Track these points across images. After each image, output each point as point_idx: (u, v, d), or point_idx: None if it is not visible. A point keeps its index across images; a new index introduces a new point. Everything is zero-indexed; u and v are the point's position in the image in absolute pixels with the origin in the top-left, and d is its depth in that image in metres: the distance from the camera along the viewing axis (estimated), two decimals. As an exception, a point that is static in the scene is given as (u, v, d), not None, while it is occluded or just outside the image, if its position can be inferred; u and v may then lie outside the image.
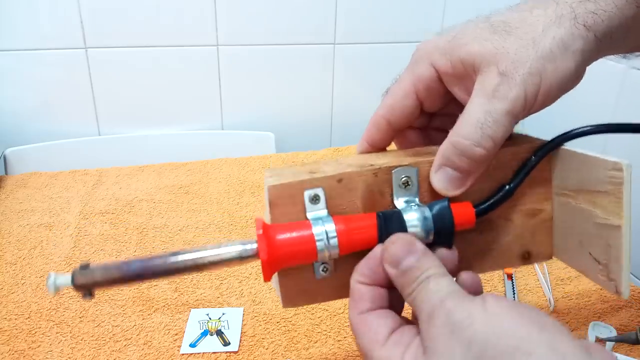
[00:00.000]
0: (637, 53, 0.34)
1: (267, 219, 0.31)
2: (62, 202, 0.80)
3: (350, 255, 0.30)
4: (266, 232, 0.28)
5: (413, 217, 0.29)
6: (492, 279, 0.64)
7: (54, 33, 0.90)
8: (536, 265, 0.66)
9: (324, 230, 0.28)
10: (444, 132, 0.36)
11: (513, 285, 0.62)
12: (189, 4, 0.93)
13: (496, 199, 0.32)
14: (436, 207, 0.30)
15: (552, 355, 0.22)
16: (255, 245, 0.28)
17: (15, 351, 0.51)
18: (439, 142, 0.35)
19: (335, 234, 0.28)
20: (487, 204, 0.32)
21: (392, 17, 1.02)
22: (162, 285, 0.62)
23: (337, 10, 0.99)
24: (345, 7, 0.99)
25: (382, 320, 0.28)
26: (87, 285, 0.27)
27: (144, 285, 0.61)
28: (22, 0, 0.87)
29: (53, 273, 0.27)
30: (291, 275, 0.31)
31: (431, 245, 0.30)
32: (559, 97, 0.30)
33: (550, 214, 0.34)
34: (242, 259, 0.28)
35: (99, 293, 0.60)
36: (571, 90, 0.32)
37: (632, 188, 0.28)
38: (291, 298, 0.32)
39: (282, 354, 0.52)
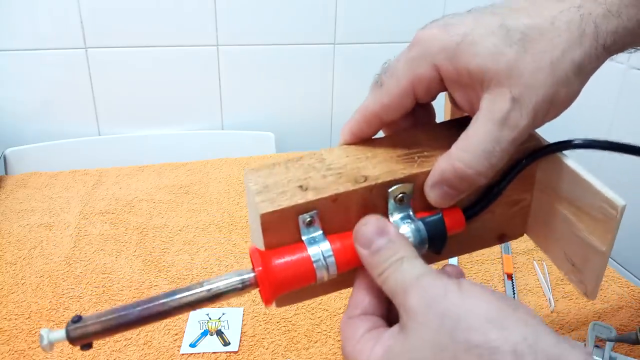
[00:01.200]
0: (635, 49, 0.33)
1: (256, 235, 0.30)
2: (62, 202, 0.80)
3: None
4: (264, 264, 0.27)
5: (407, 231, 0.30)
6: (492, 279, 0.64)
7: (54, 33, 0.90)
8: (536, 265, 0.66)
9: (319, 251, 0.28)
10: (426, 105, 0.35)
11: (513, 285, 0.62)
12: (189, 4, 0.93)
13: (485, 203, 0.32)
14: (430, 221, 0.30)
15: (525, 329, 0.22)
16: (252, 276, 0.28)
17: (15, 351, 0.51)
18: (424, 120, 0.35)
19: (332, 254, 0.28)
20: (476, 208, 0.32)
21: (392, 17, 1.02)
22: (162, 286, 0.62)
23: (337, 10, 0.99)
24: (345, 7, 0.99)
25: (363, 322, 0.28)
26: (82, 338, 0.26)
27: (144, 285, 0.61)
28: (22, 0, 0.87)
29: (45, 330, 0.26)
30: None
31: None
32: None
33: (529, 201, 0.34)
34: (240, 291, 0.28)
35: (98, 293, 0.60)
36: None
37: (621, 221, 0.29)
38: (282, 300, 0.32)
39: (282, 354, 0.52)
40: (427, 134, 0.33)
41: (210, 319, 0.56)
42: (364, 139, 0.33)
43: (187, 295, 0.27)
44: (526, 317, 0.23)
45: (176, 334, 0.54)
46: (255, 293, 0.60)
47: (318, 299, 0.59)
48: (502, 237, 0.36)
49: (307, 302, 0.59)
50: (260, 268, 0.27)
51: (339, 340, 0.54)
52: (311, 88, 1.05)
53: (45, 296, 0.59)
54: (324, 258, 0.28)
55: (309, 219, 0.29)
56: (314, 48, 1.02)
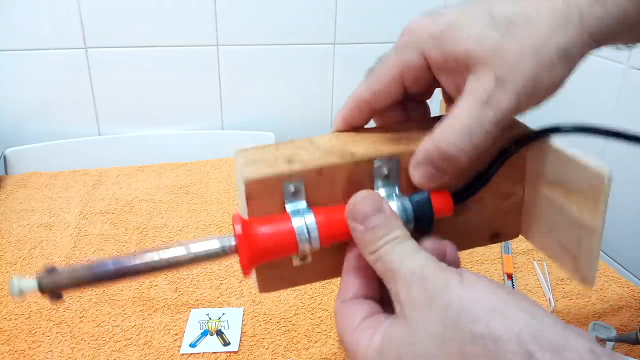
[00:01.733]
0: (632, 45, 0.33)
1: (242, 209, 0.30)
2: (62, 202, 0.80)
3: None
4: (245, 229, 0.27)
5: (392, 207, 0.29)
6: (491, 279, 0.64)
7: (54, 33, 0.90)
8: (536, 265, 0.66)
9: (303, 223, 0.28)
10: (421, 102, 0.35)
11: (513, 285, 0.62)
12: (189, 4, 0.93)
13: (474, 188, 0.32)
14: (416, 199, 0.30)
15: (529, 318, 0.22)
16: (233, 242, 0.27)
17: (15, 351, 0.51)
18: (416, 114, 0.35)
19: (315, 226, 0.28)
20: (464, 192, 0.32)
21: (392, 17, 1.02)
22: (162, 285, 0.62)
23: (337, 10, 0.99)
24: (345, 7, 0.99)
25: (359, 307, 0.28)
26: (53, 288, 0.26)
27: (144, 285, 0.61)
28: (22, 0, 0.87)
29: (16, 278, 0.25)
30: (268, 264, 0.30)
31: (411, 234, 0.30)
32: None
33: (521, 196, 0.34)
34: (219, 256, 0.27)
35: (98, 293, 0.60)
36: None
37: (609, 194, 0.29)
38: (267, 284, 0.32)
39: (282, 354, 0.52)
40: (418, 124, 0.34)
41: (210, 319, 0.56)
42: (355, 126, 0.34)
43: (165, 255, 0.27)
44: (529, 306, 0.23)
45: (176, 334, 0.54)
46: (255, 293, 0.60)
47: (318, 299, 0.59)
48: (495, 236, 0.36)
49: (307, 302, 0.59)
50: (241, 232, 0.27)
51: (339, 340, 0.54)
52: (311, 88, 1.05)
53: (45, 296, 0.59)
54: (307, 228, 0.28)
55: (293, 189, 0.29)
56: (314, 48, 1.02)
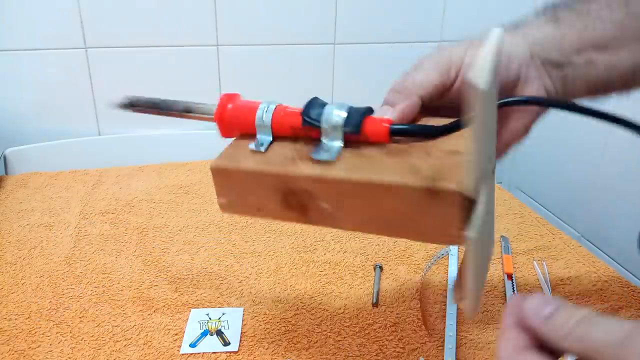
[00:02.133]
0: (599, 95, 0.42)
1: None
2: (62, 202, 0.80)
3: (278, 144, 0.38)
4: (225, 100, 0.39)
5: (334, 107, 0.35)
6: (492, 279, 0.64)
7: (54, 33, 0.90)
8: (536, 265, 0.66)
9: (266, 105, 0.38)
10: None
11: (513, 285, 0.62)
12: (189, 3, 0.93)
13: (415, 127, 0.35)
14: (355, 107, 0.36)
15: None
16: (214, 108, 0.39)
17: (15, 351, 0.51)
18: None
19: (273, 107, 0.37)
20: (405, 126, 0.35)
21: (392, 17, 1.02)
22: (162, 285, 0.62)
23: (337, 10, 0.99)
24: (345, 7, 0.99)
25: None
26: (131, 102, 0.45)
27: (144, 285, 0.61)
28: (22, 0, 0.87)
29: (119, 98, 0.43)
30: (237, 147, 0.39)
31: (345, 135, 0.35)
32: None
33: (466, 158, 0.33)
34: (210, 117, 0.40)
35: (98, 294, 0.60)
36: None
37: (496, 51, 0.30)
38: (222, 160, 0.39)
39: (282, 354, 0.52)
40: None
41: (210, 319, 0.56)
42: None
43: (183, 104, 0.42)
44: None
45: (176, 334, 0.54)
46: (255, 293, 0.60)
47: (318, 299, 0.59)
48: (437, 178, 0.32)
49: (307, 302, 0.59)
50: (221, 101, 0.39)
51: (338, 341, 0.54)
52: (311, 88, 1.05)
53: (45, 296, 0.59)
54: (267, 107, 0.37)
55: (267, 107, 0.38)
56: (314, 48, 1.02)
